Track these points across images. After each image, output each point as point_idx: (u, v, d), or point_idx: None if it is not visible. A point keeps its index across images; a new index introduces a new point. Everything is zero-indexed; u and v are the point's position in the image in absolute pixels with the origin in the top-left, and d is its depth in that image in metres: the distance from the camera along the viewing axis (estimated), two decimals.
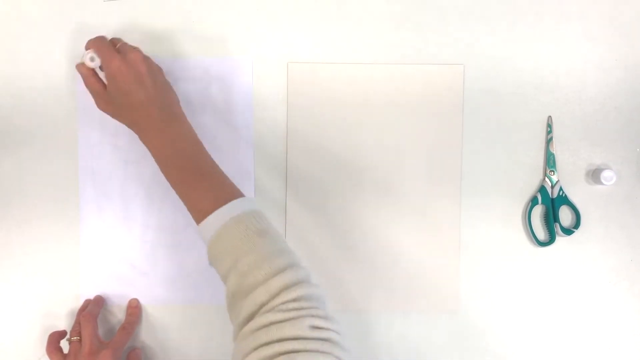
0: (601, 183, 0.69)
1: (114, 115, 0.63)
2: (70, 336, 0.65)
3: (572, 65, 0.72)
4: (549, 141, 0.71)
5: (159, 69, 0.64)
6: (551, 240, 0.70)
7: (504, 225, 0.71)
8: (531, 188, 0.71)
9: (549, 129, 0.71)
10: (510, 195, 0.71)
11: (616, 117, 0.71)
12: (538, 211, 0.71)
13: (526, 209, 0.71)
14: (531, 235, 0.70)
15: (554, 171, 0.71)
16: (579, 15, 0.72)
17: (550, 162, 0.71)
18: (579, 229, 0.70)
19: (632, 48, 0.72)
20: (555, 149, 0.71)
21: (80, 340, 0.64)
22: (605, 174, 0.68)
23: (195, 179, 0.57)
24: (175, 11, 0.72)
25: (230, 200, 0.54)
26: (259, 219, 0.53)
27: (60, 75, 0.71)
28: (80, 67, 0.63)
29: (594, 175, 0.70)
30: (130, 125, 0.62)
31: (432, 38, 0.72)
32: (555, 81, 0.72)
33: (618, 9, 0.72)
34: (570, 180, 0.71)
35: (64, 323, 0.70)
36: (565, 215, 0.71)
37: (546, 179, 0.71)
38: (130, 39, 0.71)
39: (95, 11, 0.72)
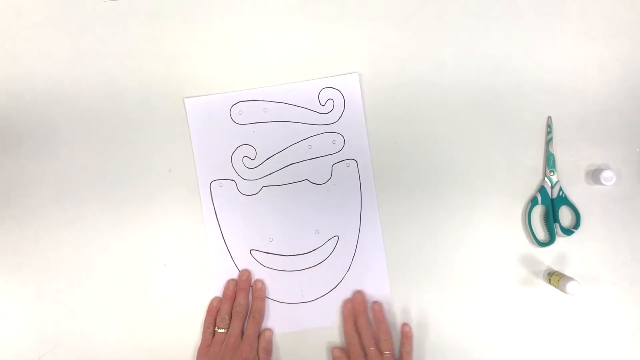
0: (601, 183, 0.69)
1: None
2: (218, 326, 0.69)
3: (572, 65, 0.72)
4: (548, 141, 0.71)
5: None
6: (551, 240, 0.70)
7: (504, 225, 0.71)
8: (531, 188, 0.71)
9: (548, 129, 0.71)
10: (510, 195, 0.71)
11: (616, 117, 0.71)
12: (538, 211, 0.71)
13: (526, 209, 0.71)
14: (531, 235, 0.70)
15: (553, 171, 0.71)
16: (579, 15, 0.72)
17: (550, 162, 0.71)
18: (579, 229, 0.70)
19: (632, 48, 0.72)
20: (555, 149, 0.71)
21: (226, 333, 0.68)
22: (605, 174, 0.68)
23: None
24: (175, 11, 0.72)
25: None
26: None
27: (60, 75, 0.72)
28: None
29: (594, 175, 0.70)
30: None
31: (433, 37, 0.72)
32: (555, 81, 0.72)
33: (618, 9, 0.72)
34: (570, 181, 0.71)
35: (63, 323, 0.70)
36: (565, 216, 0.71)
37: (546, 179, 0.71)
38: (129, 39, 0.72)
39: (95, 11, 0.72)
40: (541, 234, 0.71)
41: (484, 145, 0.71)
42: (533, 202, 0.70)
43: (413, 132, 0.71)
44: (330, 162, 0.71)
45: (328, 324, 0.70)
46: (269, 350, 0.69)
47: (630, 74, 0.72)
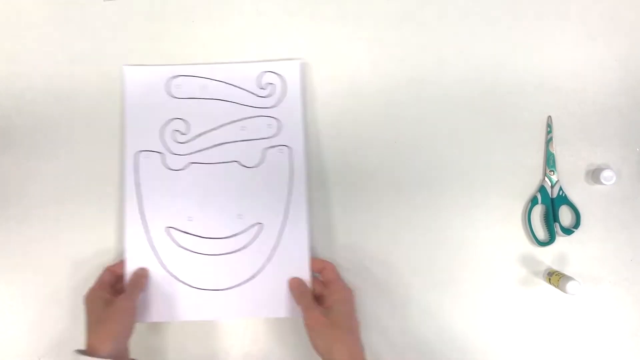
0: (601, 183, 0.69)
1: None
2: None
3: (572, 65, 0.72)
4: (548, 141, 0.71)
5: None
6: (551, 240, 0.70)
7: (504, 225, 0.71)
8: (531, 188, 0.71)
9: (548, 129, 0.71)
10: (510, 195, 0.71)
11: (616, 117, 0.72)
12: (538, 211, 0.71)
13: (526, 209, 0.71)
14: (531, 235, 0.70)
15: (553, 171, 0.71)
16: (579, 15, 0.72)
17: (550, 162, 0.71)
18: (579, 229, 0.70)
19: (632, 48, 0.72)
20: (555, 149, 0.71)
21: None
22: (605, 174, 0.68)
23: None
24: (175, 11, 0.72)
25: None
26: None
27: (60, 75, 0.72)
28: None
29: (594, 175, 0.70)
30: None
31: (433, 37, 0.72)
32: (555, 81, 0.72)
33: (618, 9, 0.72)
34: (570, 180, 0.71)
35: (63, 323, 0.70)
36: (565, 215, 0.71)
37: (546, 179, 0.71)
38: (129, 39, 0.72)
39: (95, 11, 0.72)
40: (541, 233, 0.71)
41: (484, 145, 0.71)
42: (533, 201, 0.70)
43: (413, 132, 0.71)
44: (262, 146, 0.70)
45: (239, 316, 0.68)
46: (138, 284, 0.65)
47: (630, 74, 0.72)
